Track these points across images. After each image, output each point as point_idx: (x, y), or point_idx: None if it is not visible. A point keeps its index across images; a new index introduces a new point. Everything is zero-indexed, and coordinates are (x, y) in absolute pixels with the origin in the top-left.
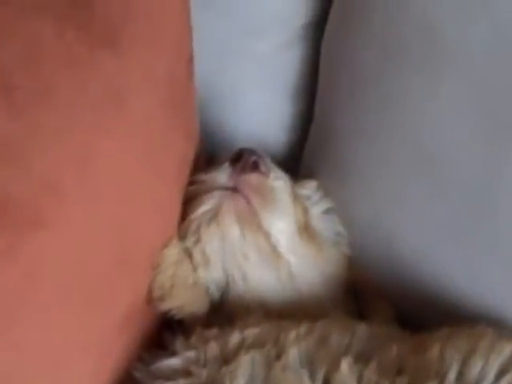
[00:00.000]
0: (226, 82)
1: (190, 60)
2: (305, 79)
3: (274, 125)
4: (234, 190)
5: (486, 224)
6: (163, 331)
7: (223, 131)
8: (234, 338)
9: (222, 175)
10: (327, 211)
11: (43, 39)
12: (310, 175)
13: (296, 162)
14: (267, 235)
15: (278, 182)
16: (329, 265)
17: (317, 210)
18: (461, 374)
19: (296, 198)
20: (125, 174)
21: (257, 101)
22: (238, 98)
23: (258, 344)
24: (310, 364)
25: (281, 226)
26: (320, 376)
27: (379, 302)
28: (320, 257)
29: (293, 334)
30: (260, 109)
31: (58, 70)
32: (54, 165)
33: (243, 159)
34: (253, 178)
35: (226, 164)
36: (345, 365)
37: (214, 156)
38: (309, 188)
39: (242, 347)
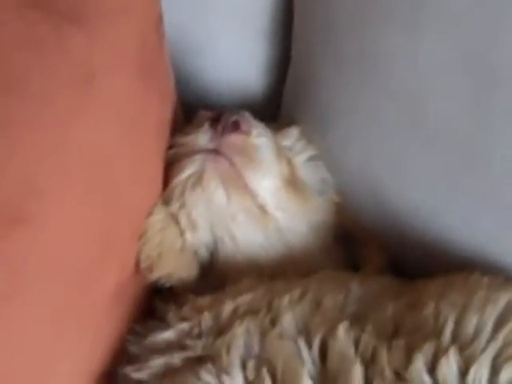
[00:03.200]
0: (198, 31)
1: (160, 20)
2: (280, 20)
3: (252, 68)
4: (216, 152)
5: (478, 171)
6: (155, 300)
7: (200, 81)
8: (227, 306)
9: (202, 137)
10: (311, 159)
11: (3, 24)
12: (291, 120)
13: (277, 104)
14: (253, 195)
15: (261, 139)
16: (316, 214)
17: (301, 158)
18: (457, 332)
19: (279, 150)
20: (102, 154)
21: (232, 46)
22: (212, 45)
23: (251, 311)
24: (305, 330)
25: (266, 184)
26: (317, 342)
27: (372, 248)
28: (307, 207)
29: (286, 299)
30: (236, 54)
31: (24, 55)
32: (30, 158)
33: (223, 119)
34: (234, 138)
35: (206, 125)
36: (341, 330)
37: (193, 113)
38: (291, 137)
39: (235, 316)
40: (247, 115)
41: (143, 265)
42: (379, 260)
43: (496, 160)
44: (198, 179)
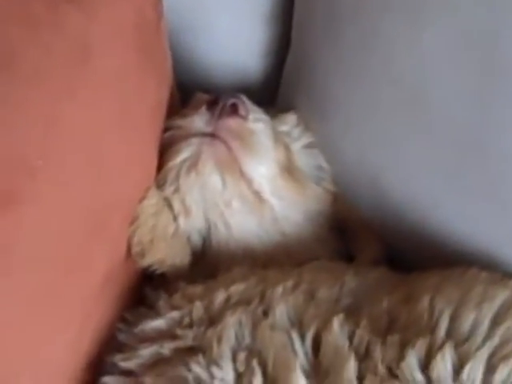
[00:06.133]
0: (197, 12)
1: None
2: (281, 3)
3: (250, 51)
4: (213, 135)
5: (478, 163)
6: (145, 287)
7: (198, 63)
8: (219, 295)
9: (199, 120)
10: (309, 146)
11: None
12: (288, 105)
13: (275, 88)
14: (249, 181)
15: (258, 124)
16: (312, 202)
17: (298, 145)
18: (452, 328)
19: (276, 136)
20: (96, 134)
21: (231, 27)
22: (212, 26)
23: (244, 301)
24: (298, 322)
25: (263, 170)
26: (310, 335)
27: (367, 239)
28: (303, 195)
29: (279, 290)
30: (235, 36)
31: (20, 32)
32: (21, 135)
33: (221, 103)
34: (232, 122)
35: (203, 108)
36: (336, 324)
37: (190, 96)
38: (289, 123)
39: (227, 306)
40: (245, 99)
41: (135, 250)
42: (375, 251)
43: (497, 153)
44: (193, 163)
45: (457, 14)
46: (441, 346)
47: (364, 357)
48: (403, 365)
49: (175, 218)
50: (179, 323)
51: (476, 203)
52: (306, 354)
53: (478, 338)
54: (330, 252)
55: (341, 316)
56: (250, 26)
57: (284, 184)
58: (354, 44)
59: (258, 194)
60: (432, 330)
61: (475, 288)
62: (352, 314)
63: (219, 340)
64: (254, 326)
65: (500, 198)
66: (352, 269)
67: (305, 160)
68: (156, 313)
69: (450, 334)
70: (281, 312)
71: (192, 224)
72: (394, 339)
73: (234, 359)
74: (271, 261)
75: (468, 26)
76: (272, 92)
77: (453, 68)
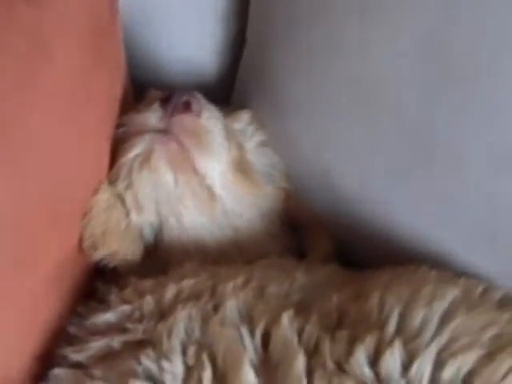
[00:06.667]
0: (153, 8)
1: None
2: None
3: (206, 49)
4: (166, 132)
5: (425, 165)
6: (97, 281)
7: (153, 59)
8: (170, 290)
9: (152, 117)
10: (262, 143)
11: None
12: (243, 103)
13: (230, 86)
14: (201, 177)
15: (211, 121)
16: (264, 199)
17: (251, 143)
18: (402, 324)
19: (230, 134)
20: (49, 129)
21: (186, 24)
22: (167, 22)
23: (194, 296)
24: (248, 317)
25: (215, 166)
26: (259, 330)
27: (319, 236)
28: (255, 192)
29: (230, 285)
30: (190, 33)
31: None
32: None
33: (174, 99)
34: (185, 119)
35: (156, 105)
36: (285, 319)
37: (144, 92)
38: (242, 121)
39: (178, 300)
40: (198, 96)
41: (86, 243)
42: (326, 248)
43: (443, 154)
44: (146, 159)
45: (411, 16)
46: (390, 342)
47: (313, 352)
48: (352, 360)
49: (127, 214)
50: (129, 317)
51: (425, 201)
52: (255, 349)
53: (427, 335)
54: (282, 248)
55: (290, 311)
56: (205, 23)
57: (236, 181)
58: (315, 43)
59: (210, 190)
60: (381, 326)
61: (425, 286)
62: (302, 309)
63: (169, 334)
64: (204, 321)
65: (446, 199)
66: (303, 265)
67: (258, 158)
68: (107, 306)
69: (399, 330)
70: (231, 308)
71: (144, 219)
72: (342, 335)
73: (184, 353)
74: (223, 256)
75: (423, 29)
76: (226, 90)
77: (404, 71)
